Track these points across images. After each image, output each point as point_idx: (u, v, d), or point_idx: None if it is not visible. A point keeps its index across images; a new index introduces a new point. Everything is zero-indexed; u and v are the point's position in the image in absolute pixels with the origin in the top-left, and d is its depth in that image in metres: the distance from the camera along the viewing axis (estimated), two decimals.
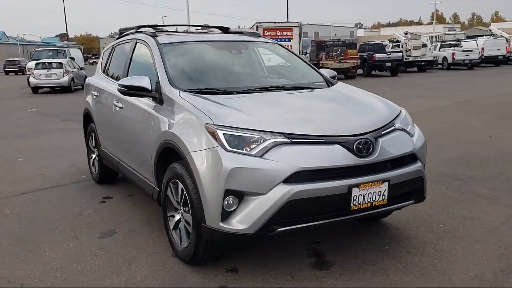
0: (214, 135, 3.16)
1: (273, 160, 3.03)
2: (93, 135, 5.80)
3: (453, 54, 32.93)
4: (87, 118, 5.98)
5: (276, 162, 3.02)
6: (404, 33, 36.07)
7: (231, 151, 3.07)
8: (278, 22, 25.93)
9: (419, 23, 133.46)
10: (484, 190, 5.14)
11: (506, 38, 36.90)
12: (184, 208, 3.51)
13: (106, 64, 5.73)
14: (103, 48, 6.74)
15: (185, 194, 3.42)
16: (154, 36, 4.60)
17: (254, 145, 3.09)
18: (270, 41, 5.20)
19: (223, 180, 3.03)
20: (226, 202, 3.07)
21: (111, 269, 3.56)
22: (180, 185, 3.47)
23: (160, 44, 4.38)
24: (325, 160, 3.09)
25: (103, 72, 5.74)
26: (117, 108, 4.69)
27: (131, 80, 4.01)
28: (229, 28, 5.48)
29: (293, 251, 3.75)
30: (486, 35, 44.27)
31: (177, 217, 3.66)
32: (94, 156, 5.94)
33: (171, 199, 3.69)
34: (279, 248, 3.79)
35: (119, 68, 5.13)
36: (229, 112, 3.37)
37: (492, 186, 5.26)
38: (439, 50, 34.35)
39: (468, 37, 45.42)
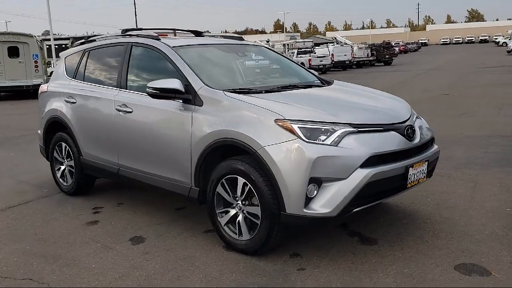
0: (289, 129, 3.41)
1: (348, 148, 3.40)
2: (64, 145, 5.47)
3: (309, 60, 35.72)
4: (54, 127, 5.60)
5: (351, 149, 3.40)
6: (266, 40, 38.14)
7: (309, 142, 3.37)
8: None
9: (263, 32, 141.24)
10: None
11: (350, 45, 41.14)
12: (245, 202, 3.68)
13: (76, 69, 5.46)
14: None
15: (248, 188, 3.59)
16: (158, 39, 4.61)
17: (326, 136, 3.42)
18: (258, 44, 5.50)
19: (308, 169, 3.31)
20: (309, 189, 3.35)
21: (179, 269, 3.57)
22: (241, 180, 3.63)
23: (173, 47, 4.42)
24: (387, 145, 3.56)
25: (73, 78, 5.46)
26: (122, 113, 4.57)
27: (164, 83, 4.01)
28: (202, 32, 5.65)
29: (333, 234, 4.12)
30: (330, 43, 48.86)
31: (232, 211, 3.79)
32: (63, 167, 5.59)
33: (223, 196, 3.81)
34: (317, 232, 4.14)
35: (109, 73, 4.98)
36: (291, 108, 3.64)
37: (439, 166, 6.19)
38: (297, 57, 36.98)
39: (316, 44, 49.63)
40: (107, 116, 4.75)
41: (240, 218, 3.74)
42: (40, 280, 3.48)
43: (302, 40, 57.37)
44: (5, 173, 6.88)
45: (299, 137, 3.38)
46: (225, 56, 4.89)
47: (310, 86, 4.57)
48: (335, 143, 3.40)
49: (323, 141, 3.40)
